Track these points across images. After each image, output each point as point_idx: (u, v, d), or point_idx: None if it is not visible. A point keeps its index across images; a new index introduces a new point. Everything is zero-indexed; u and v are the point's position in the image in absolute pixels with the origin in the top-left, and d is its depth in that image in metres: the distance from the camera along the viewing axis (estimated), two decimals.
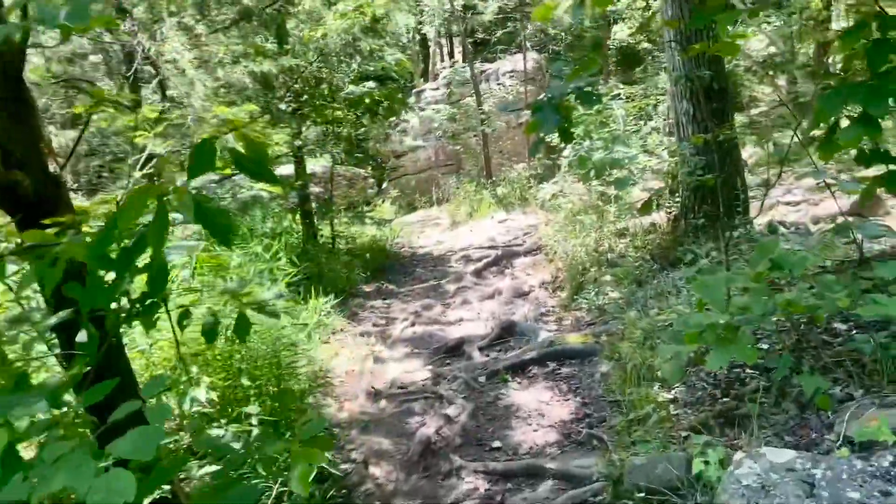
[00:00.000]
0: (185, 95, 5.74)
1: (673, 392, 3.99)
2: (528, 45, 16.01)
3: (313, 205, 8.50)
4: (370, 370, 5.17)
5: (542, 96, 3.29)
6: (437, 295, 7.68)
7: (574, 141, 6.47)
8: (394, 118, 11.22)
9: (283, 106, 8.26)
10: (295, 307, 5.78)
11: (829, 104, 2.76)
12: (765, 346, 3.98)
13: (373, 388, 4.84)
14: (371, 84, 8.28)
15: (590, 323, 5.64)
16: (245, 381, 3.40)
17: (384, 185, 16.94)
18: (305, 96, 8.80)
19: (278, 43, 8.37)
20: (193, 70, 5.51)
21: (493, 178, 13.84)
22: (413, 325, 6.53)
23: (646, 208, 4.19)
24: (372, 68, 8.56)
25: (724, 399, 3.70)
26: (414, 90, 18.80)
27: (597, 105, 3.97)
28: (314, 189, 10.25)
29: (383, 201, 15.02)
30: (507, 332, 5.63)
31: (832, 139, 2.88)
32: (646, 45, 14.74)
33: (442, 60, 23.69)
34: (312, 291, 6.24)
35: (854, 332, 3.77)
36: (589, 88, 3.37)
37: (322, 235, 9.08)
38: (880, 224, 4.38)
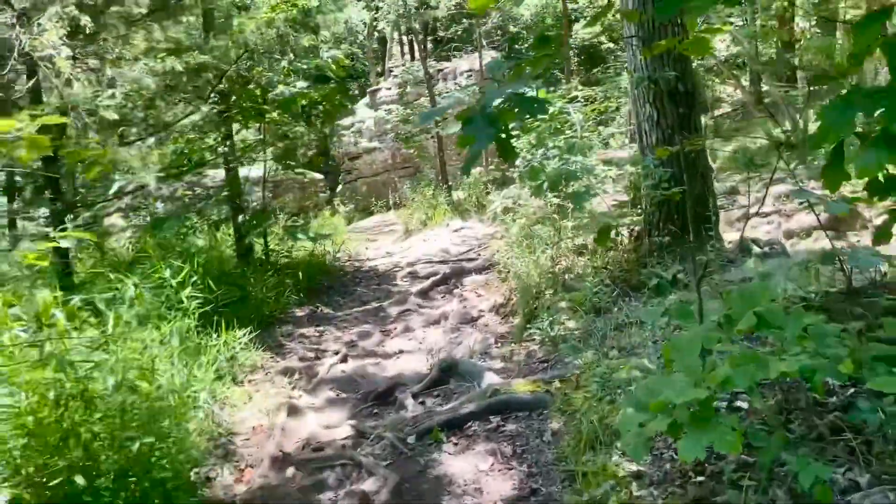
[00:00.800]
0: (66, 97, 4.83)
1: (636, 464, 3.28)
2: (485, 43, 15.29)
3: (240, 217, 7.60)
4: (282, 425, 4.34)
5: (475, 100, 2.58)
6: (377, 320, 6.87)
7: (525, 150, 5.75)
8: (335, 122, 10.35)
9: (205, 108, 7.37)
10: (201, 344, 4.92)
11: (838, 118, 2.04)
12: (743, 405, 3.28)
13: (281, 451, 4.03)
14: (302, 84, 7.41)
15: (542, 360, 4.92)
16: (79, 480, 2.56)
17: (338, 189, 16.08)
18: (234, 97, 7.96)
19: (205, 38, 7.48)
20: (70, 68, 4.60)
21: (450, 183, 13.12)
22: (345, 359, 5.72)
23: (603, 239, 3.47)
24: (305, 67, 7.72)
25: (699, 478, 2.99)
26: (369, 90, 17.99)
27: (540, 114, 3.24)
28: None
29: (334, 209, 14.13)
30: (447, 374, 4.86)
31: (839, 165, 2.18)
32: (609, 44, 14.13)
33: (403, 57, 22.89)
34: (224, 323, 5.36)
35: (851, 390, 3.11)
36: (532, 92, 2.64)
37: (256, 251, 8.20)
38: (874, 253, 3.75)
